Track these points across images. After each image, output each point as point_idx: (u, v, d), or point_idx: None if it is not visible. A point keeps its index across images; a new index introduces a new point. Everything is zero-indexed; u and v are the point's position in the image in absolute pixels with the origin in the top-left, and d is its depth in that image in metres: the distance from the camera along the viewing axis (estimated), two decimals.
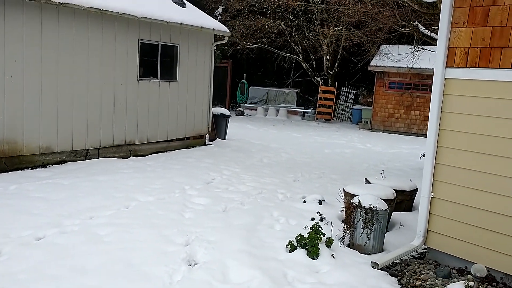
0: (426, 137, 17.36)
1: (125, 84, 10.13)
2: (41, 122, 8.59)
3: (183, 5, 12.03)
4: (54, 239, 5.04)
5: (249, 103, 23.64)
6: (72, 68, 9.00)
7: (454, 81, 5.00)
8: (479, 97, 4.81)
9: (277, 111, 22.44)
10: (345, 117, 22.23)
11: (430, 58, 14.15)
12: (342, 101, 22.39)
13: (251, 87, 24.06)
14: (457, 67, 4.96)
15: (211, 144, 12.87)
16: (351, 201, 5.60)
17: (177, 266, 4.51)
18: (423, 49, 11.58)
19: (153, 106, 10.90)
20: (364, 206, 5.40)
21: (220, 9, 21.97)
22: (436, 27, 10.05)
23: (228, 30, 12.66)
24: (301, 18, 21.13)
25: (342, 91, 22.43)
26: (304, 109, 22.77)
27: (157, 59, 10.92)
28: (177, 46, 11.38)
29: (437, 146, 5.17)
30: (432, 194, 5.23)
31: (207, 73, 12.53)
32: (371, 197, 5.52)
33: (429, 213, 5.27)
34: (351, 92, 22.36)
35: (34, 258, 4.49)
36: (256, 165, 10.35)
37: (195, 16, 11.83)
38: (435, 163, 5.19)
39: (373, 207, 5.37)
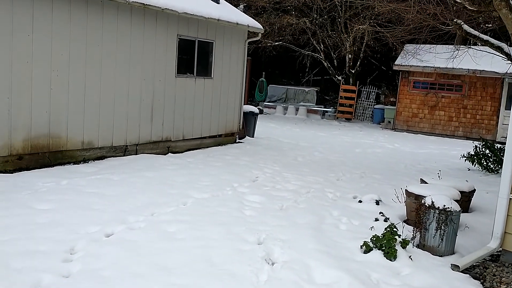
0: (450, 137, 17.05)
1: (163, 80, 10.01)
2: (84, 116, 8.48)
3: (217, 1, 11.90)
4: (124, 235, 4.92)
5: (268, 102, 23.49)
6: (115, 63, 8.89)
7: None
8: None
9: (297, 109, 22.27)
10: (366, 117, 22.05)
11: (473, 58, 13.94)
12: (363, 100, 22.22)
13: (270, 85, 23.92)
14: None
15: (241, 142, 12.75)
16: (423, 201, 5.45)
17: (259, 265, 4.39)
18: (471, 47, 11.38)
19: (189, 102, 10.79)
20: (438, 207, 5.25)
21: (241, 6, 21.80)
22: (490, 25, 9.89)
23: (261, 27, 12.54)
24: (325, 16, 20.97)
25: (363, 90, 22.25)
26: (323, 108, 22.61)
27: (193, 56, 10.80)
28: (213, 43, 11.25)
29: None
30: (511, 195, 5.08)
31: (240, 70, 12.41)
32: (444, 197, 5.38)
33: (507, 214, 5.12)
34: (372, 91, 22.17)
35: (112, 255, 4.38)
36: (293, 164, 10.22)
37: (229, 12, 11.71)
38: None
39: (448, 208, 5.23)
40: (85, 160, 8.63)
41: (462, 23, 9.58)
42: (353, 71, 21.63)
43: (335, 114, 21.77)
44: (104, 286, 3.81)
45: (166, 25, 9.85)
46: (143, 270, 4.11)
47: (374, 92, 22.16)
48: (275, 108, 22.83)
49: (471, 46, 11.39)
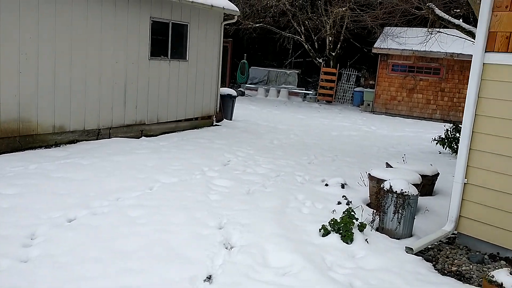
0: (428, 120, 17.31)
1: (136, 63, 9.97)
2: (54, 100, 8.44)
3: None
4: (86, 220, 4.98)
5: (250, 84, 23.47)
6: (85, 46, 8.81)
7: (493, 66, 4.96)
8: None
9: (278, 92, 22.31)
10: (346, 99, 22.18)
11: (446, 42, 14.16)
12: (343, 83, 22.31)
13: (251, 67, 23.86)
14: (497, 52, 4.91)
15: (218, 125, 12.79)
16: (382, 186, 5.58)
17: (216, 250, 4.49)
18: (440, 32, 11.48)
19: (163, 85, 10.76)
20: (395, 191, 5.39)
21: None
22: (458, 10, 9.97)
23: (237, 9, 12.48)
24: None
25: (344, 73, 22.33)
26: (304, 90, 22.68)
27: (167, 38, 10.73)
28: (187, 25, 11.19)
29: (473, 131, 5.15)
30: (466, 179, 5.23)
31: (216, 53, 12.37)
32: (402, 181, 5.51)
33: (462, 198, 5.28)
34: (352, 74, 22.27)
35: (72, 240, 4.44)
36: (268, 147, 10.31)
37: None
38: (470, 148, 5.17)
39: (405, 192, 5.36)
40: (57, 144, 8.62)
41: (434, 7, 9.65)
42: (333, 54, 21.66)
43: (316, 96, 21.85)
44: (60, 271, 3.88)
45: (138, 7, 9.77)
46: (101, 255, 4.18)
47: (355, 75, 22.26)
48: (256, 90, 22.83)
49: (441, 30, 11.50)
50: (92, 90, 9.08)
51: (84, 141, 9.04)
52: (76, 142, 8.91)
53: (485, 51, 4.99)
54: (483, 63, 5.01)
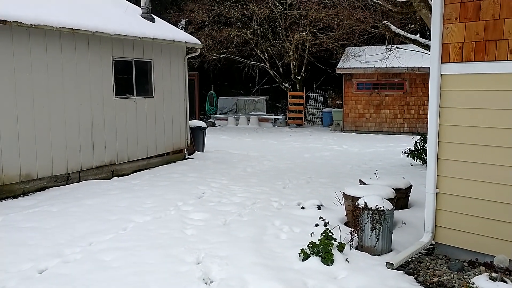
0: (397, 134, 17.65)
1: (101, 104, 9.86)
2: (19, 148, 8.23)
3: (152, 20, 11.86)
4: (58, 269, 4.79)
5: (219, 114, 23.56)
6: (47, 91, 8.69)
7: (450, 76, 5.08)
8: (477, 91, 4.90)
9: (248, 119, 22.41)
10: (316, 121, 22.43)
11: (406, 57, 14.61)
12: (312, 105, 22.60)
13: (220, 97, 23.99)
14: (453, 62, 5.05)
15: (191, 158, 12.69)
16: (357, 203, 5.59)
17: (195, 286, 4.37)
18: (398, 48, 11.82)
19: (131, 123, 10.66)
20: (370, 207, 5.39)
21: (183, 22, 21.83)
22: (413, 26, 10.29)
23: (200, 42, 12.58)
24: (266, 26, 21.27)
25: (311, 95, 22.66)
26: (274, 115, 22.90)
27: (131, 76, 10.69)
28: (150, 61, 11.19)
29: (438, 141, 5.23)
30: (437, 189, 5.28)
31: (182, 86, 12.38)
32: (376, 197, 5.52)
33: (436, 208, 5.32)
34: (319, 95, 22.61)
35: None
36: (242, 175, 10.25)
37: (165, 30, 11.69)
38: (437, 158, 5.24)
39: (380, 207, 5.37)
40: (24, 193, 8.37)
41: (390, 24, 9.92)
42: (299, 78, 21.98)
43: (286, 121, 22.04)
44: None
45: (99, 48, 9.73)
46: None
47: (322, 96, 22.62)
48: (226, 120, 22.91)
49: (399, 46, 11.85)
50: (57, 135, 8.92)
51: (54, 187, 8.81)
52: (45, 189, 8.67)
53: (441, 63, 5.13)
54: (441, 74, 5.14)
